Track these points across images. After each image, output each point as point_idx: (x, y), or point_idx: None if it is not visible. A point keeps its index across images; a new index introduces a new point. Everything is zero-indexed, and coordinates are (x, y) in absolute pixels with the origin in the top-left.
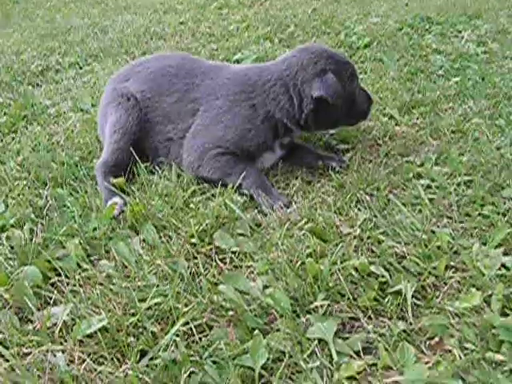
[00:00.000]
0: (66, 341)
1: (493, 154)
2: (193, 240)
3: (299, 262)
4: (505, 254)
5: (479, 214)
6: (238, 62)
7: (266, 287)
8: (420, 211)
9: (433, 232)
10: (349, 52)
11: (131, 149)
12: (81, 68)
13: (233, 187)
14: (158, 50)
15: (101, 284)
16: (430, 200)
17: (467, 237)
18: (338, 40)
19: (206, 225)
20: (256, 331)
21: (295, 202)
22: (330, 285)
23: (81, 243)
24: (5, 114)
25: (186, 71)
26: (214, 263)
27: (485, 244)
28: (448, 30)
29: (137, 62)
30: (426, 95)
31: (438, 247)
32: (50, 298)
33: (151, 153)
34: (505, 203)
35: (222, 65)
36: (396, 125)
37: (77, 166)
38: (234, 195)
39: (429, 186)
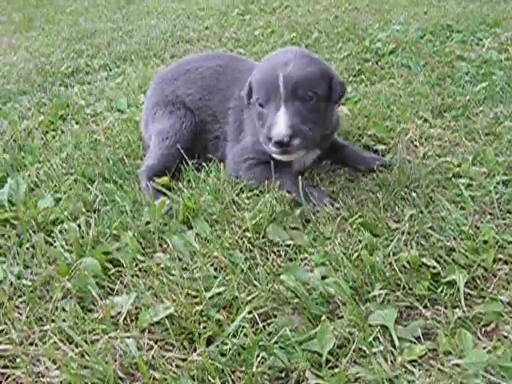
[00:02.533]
0: (130, 329)
1: None
2: (247, 234)
3: (355, 254)
4: None
5: None
6: None
7: (323, 278)
8: (463, 208)
9: (477, 227)
10: (375, 58)
11: (181, 150)
12: (110, 70)
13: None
14: (187, 53)
15: (160, 275)
16: (472, 198)
17: (510, 232)
18: (363, 46)
19: (260, 219)
20: (323, 317)
21: (341, 199)
22: (387, 275)
23: (135, 236)
24: (42, 113)
25: (231, 69)
26: (271, 256)
27: None
28: (469, 37)
29: (185, 60)
30: (456, 99)
31: (485, 241)
32: (111, 289)
33: (200, 150)
34: None
35: None
36: (430, 127)
37: (122, 162)
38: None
39: (469, 185)
